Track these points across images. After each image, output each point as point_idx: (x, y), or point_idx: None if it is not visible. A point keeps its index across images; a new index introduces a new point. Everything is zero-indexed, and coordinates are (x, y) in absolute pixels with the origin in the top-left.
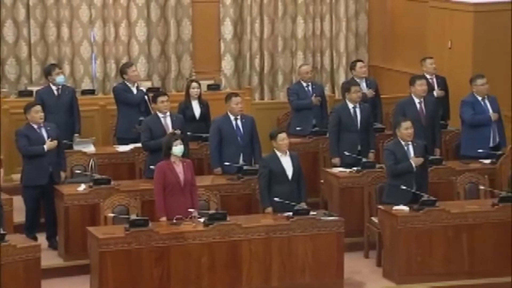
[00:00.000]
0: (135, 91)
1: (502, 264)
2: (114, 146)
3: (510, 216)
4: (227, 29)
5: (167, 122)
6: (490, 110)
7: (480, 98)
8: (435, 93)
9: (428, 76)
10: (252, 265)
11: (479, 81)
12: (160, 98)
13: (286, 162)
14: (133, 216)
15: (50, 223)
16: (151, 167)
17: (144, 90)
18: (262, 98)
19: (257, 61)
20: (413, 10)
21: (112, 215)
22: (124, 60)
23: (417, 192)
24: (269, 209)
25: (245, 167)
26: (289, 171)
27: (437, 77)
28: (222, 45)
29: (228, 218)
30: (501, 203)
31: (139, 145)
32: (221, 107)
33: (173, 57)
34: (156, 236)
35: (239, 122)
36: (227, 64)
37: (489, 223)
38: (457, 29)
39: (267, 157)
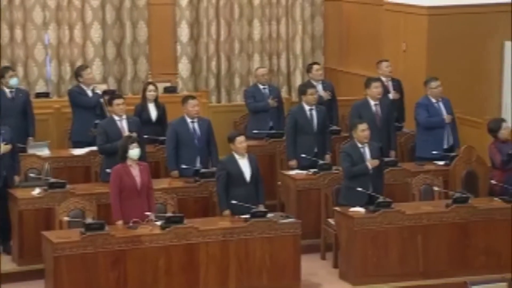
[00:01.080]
0: (90, 94)
1: (456, 264)
2: (69, 149)
3: (463, 216)
4: (184, 32)
5: (123, 125)
6: (444, 112)
7: (434, 101)
8: (390, 96)
9: (383, 79)
10: (209, 268)
11: (433, 84)
12: (116, 101)
13: (244, 165)
14: (88, 220)
15: (4, 228)
16: (107, 170)
17: (100, 92)
18: (219, 100)
19: (213, 64)
20: (368, 13)
21: (67, 219)
22: (79, 62)
23: (373, 194)
24: (227, 212)
25: (202, 170)
26: (247, 174)
27: (392, 79)
28: (178, 47)
29: (185, 221)
30: (455, 204)
31: (94, 148)
32: (177, 110)
33: (129, 59)
34: (112, 240)
35: (195, 124)
36: (183, 67)
37: (443, 224)
38: (412, 32)
39: (225, 160)
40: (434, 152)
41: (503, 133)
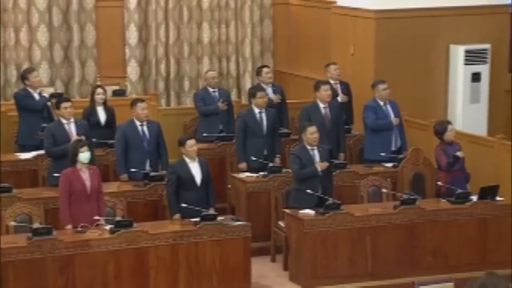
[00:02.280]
0: (37, 97)
1: (404, 265)
2: (16, 153)
3: (411, 218)
4: (132, 35)
5: (71, 128)
6: (392, 115)
7: (381, 103)
8: (339, 98)
9: (332, 82)
10: (159, 272)
11: (381, 86)
12: (64, 104)
13: (195, 169)
14: (36, 225)
15: None
16: (55, 174)
17: (47, 96)
18: (168, 103)
19: (163, 67)
20: (317, 16)
21: (14, 224)
22: (26, 65)
23: (323, 196)
24: (177, 216)
25: (151, 173)
26: (198, 178)
27: (341, 82)
28: (127, 50)
29: (134, 225)
30: (403, 205)
31: (42, 152)
32: (126, 113)
33: (76, 62)
34: (60, 245)
35: (145, 127)
36: (132, 70)
37: (391, 225)
38: (359, 35)
39: (176, 163)
40: (382, 154)
41: (448, 135)
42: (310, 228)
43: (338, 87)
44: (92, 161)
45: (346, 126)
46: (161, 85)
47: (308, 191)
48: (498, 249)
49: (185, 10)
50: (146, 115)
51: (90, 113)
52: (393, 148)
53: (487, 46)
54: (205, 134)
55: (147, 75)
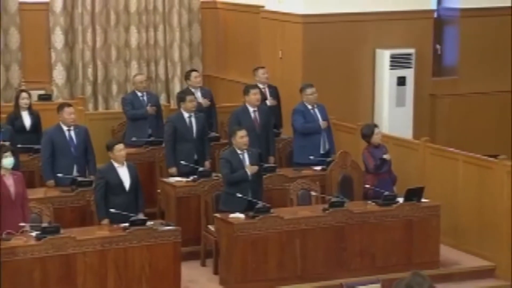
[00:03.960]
0: None
1: (333, 267)
2: None
3: (340, 220)
4: (58, 38)
5: None
6: (320, 118)
7: (310, 107)
8: (267, 102)
9: (260, 86)
10: (87, 278)
11: (309, 90)
12: None
13: (123, 173)
14: None
15: None
16: None
17: None
18: (96, 108)
19: (90, 71)
20: (245, 20)
21: None
22: None
23: (253, 200)
24: (106, 221)
25: (79, 179)
26: (126, 182)
27: (269, 86)
28: (53, 54)
29: (61, 231)
30: (331, 208)
31: None
32: (53, 118)
33: (0, 66)
34: None
35: (72, 132)
36: (58, 74)
37: (320, 227)
38: (288, 39)
39: (103, 168)
40: (311, 158)
41: (375, 138)
42: (240, 231)
43: (267, 91)
44: (16, 167)
45: (275, 130)
46: (89, 89)
47: (238, 195)
48: (424, 249)
49: (112, 14)
50: (73, 120)
51: (14, 118)
52: (322, 151)
53: (411, 50)
54: (134, 139)
55: (74, 79)
